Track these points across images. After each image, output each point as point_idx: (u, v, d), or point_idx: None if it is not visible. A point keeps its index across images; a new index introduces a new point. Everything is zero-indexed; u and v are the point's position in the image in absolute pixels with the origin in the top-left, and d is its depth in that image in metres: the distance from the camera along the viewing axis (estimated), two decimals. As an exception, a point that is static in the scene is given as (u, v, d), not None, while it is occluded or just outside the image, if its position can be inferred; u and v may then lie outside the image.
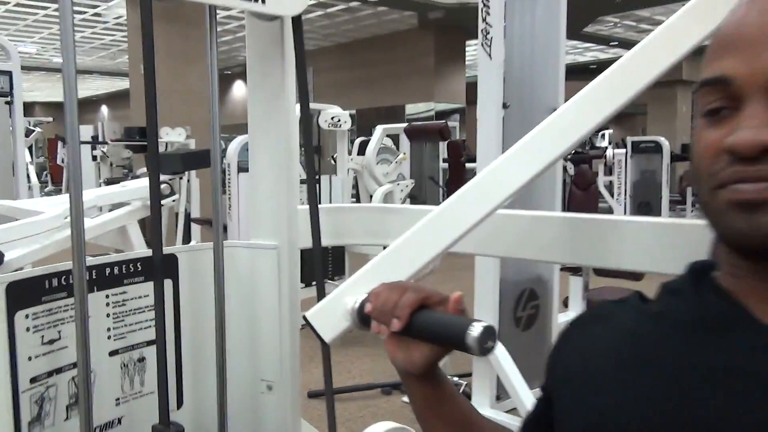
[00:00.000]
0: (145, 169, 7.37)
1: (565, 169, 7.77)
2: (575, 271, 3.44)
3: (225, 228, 5.59)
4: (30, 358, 0.87)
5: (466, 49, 13.63)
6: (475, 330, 0.63)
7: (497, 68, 2.74)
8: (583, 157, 7.31)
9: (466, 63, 14.04)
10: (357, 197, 5.35)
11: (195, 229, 5.99)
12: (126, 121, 9.35)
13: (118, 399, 1.01)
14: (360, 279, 0.79)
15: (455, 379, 3.26)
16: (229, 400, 1.07)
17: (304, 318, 0.83)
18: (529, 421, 0.73)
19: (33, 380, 0.88)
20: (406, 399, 1.47)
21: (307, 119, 1.13)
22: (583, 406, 0.61)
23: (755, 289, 0.57)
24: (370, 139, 5.24)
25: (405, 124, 4.52)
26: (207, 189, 7.36)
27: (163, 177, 2.73)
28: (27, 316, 0.86)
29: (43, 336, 0.89)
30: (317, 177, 4.65)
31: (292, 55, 1.08)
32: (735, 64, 0.55)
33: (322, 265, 1.19)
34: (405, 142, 6.24)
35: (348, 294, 0.78)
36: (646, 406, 0.56)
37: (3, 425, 0.66)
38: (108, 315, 0.98)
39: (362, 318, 0.74)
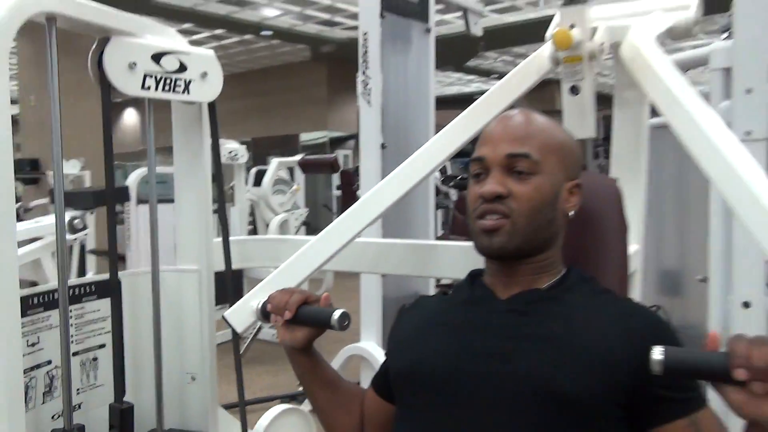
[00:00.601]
0: (38, 201, 7.30)
1: (447, 195, 8.39)
2: (449, 286, 3.92)
3: (123, 258, 5.74)
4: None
5: (358, 79, 14.21)
6: (336, 314, 1.03)
7: (376, 114, 3.19)
8: (464, 184, 7.95)
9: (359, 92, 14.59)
10: (254, 225, 5.66)
11: (90, 260, 6.07)
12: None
13: (78, 389, 1.33)
14: (261, 289, 1.17)
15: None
16: (163, 388, 1.41)
17: (224, 318, 1.20)
18: (375, 378, 1.14)
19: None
20: (302, 407, 1.81)
21: (219, 172, 1.50)
22: (400, 358, 1.04)
23: (498, 282, 1.03)
24: (265, 169, 5.58)
25: (299, 157, 4.90)
26: (101, 222, 7.39)
27: (74, 213, 2.98)
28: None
29: (27, 340, 1.21)
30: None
31: (208, 127, 1.46)
32: (486, 151, 1.01)
33: (235, 285, 1.55)
34: (300, 172, 6.61)
35: (252, 299, 1.16)
36: (436, 348, 0.99)
37: (16, 401, 0.98)
38: (72, 324, 1.30)
39: (264, 314, 1.13)
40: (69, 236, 2.90)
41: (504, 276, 1.03)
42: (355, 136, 14.68)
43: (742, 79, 2.55)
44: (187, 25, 10.60)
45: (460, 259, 1.33)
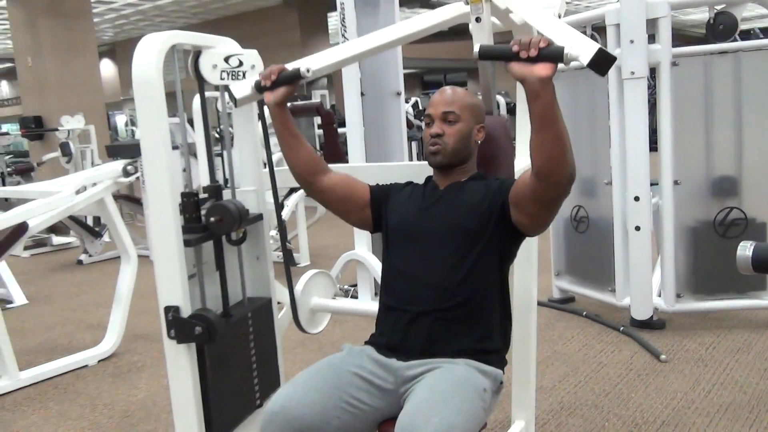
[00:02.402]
0: (50, 155, 7.98)
1: (420, 128, 9.16)
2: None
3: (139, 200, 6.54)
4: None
5: (329, 21, 14.71)
6: (303, 67, 1.83)
7: (355, 68, 3.97)
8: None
9: (330, 33, 15.11)
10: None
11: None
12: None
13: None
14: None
15: (346, 286, 4.56)
16: (243, 262, 2.28)
17: (227, 88, 2.01)
18: (372, 185, 2.01)
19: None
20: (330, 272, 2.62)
21: (264, 126, 2.33)
22: (393, 215, 1.92)
23: (439, 179, 1.92)
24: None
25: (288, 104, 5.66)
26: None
27: (127, 160, 3.76)
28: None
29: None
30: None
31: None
32: (432, 110, 1.89)
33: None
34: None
35: (250, 81, 1.94)
36: (409, 212, 1.88)
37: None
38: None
39: (258, 85, 1.89)
40: (123, 179, 3.68)
41: (442, 176, 1.90)
42: (328, 76, 15.29)
43: (627, 33, 3.44)
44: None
45: (418, 172, 2.17)
